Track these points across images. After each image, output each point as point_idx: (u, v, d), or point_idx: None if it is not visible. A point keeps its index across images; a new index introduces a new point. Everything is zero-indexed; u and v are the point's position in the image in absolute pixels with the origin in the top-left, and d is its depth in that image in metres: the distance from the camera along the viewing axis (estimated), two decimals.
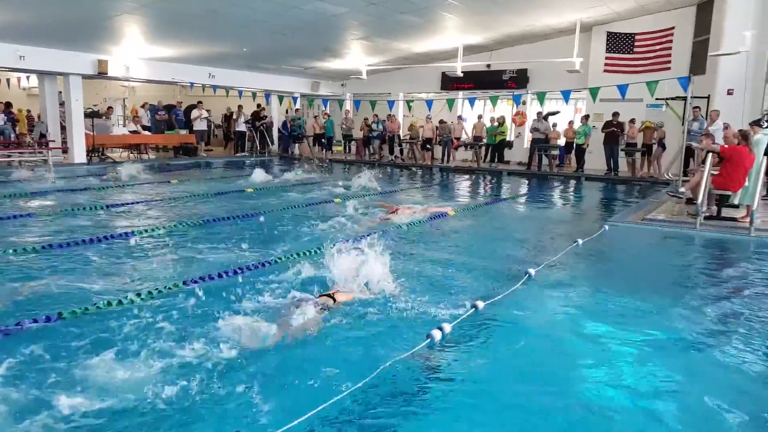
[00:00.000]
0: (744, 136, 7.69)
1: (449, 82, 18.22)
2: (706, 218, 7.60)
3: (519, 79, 17.26)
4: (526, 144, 16.88)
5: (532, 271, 5.11)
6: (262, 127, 19.60)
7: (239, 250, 5.75)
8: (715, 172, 7.77)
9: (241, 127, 19.54)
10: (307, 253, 5.64)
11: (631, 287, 4.94)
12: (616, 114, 14.33)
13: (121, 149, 17.84)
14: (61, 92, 15.62)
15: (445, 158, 17.37)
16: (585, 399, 3.00)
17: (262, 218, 7.76)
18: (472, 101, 16.70)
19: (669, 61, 14.56)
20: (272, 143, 20.02)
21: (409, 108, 17.31)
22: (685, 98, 11.51)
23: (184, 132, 18.93)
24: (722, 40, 12.08)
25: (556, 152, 15.78)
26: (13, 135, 15.28)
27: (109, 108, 18.77)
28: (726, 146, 7.80)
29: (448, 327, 3.69)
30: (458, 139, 17.60)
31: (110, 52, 14.67)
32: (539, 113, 16.01)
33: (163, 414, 2.71)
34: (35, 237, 6.27)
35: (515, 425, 2.77)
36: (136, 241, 6.17)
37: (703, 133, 10.24)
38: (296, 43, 14.87)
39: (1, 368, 3.07)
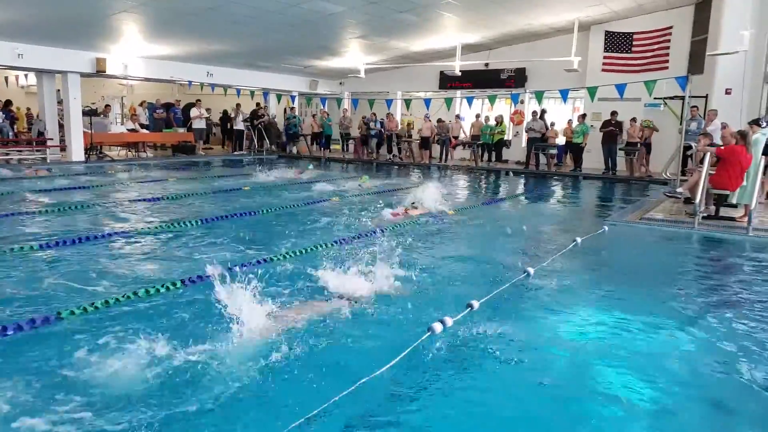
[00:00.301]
0: (742, 135, 7.71)
1: (447, 81, 18.22)
2: (704, 218, 7.63)
3: (517, 78, 17.27)
4: (524, 143, 16.90)
5: (530, 270, 5.12)
6: (260, 126, 19.59)
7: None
8: (713, 172, 7.79)
9: (240, 125, 19.53)
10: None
11: (629, 287, 4.96)
12: (614, 113, 14.35)
13: (119, 147, 17.82)
14: (59, 90, 15.59)
15: (444, 157, 17.38)
16: (585, 397, 3.01)
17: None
18: (470, 100, 16.72)
19: (667, 61, 14.59)
20: (271, 142, 20.00)
21: (408, 107, 17.30)
22: (683, 98, 11.55)
23: (182, 130, 18.91)
24: (720, 40, 12.11)
25: (553, 151, 15.80)
26: (11, 133, 15.24)
27: (107, 106, 18.74)
28: (723, 146, 7.82)
29: (449, 320, 3.69)
30: (456, 138, 17.61)
31: (108, 51, 14.65)
32: (534, 113, 16.05)
33: (171, 409, 2.72)
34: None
35: (515, 424, 2.78)
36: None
37: (700, 132, 10.27)
38: (294, 42, 14.87)
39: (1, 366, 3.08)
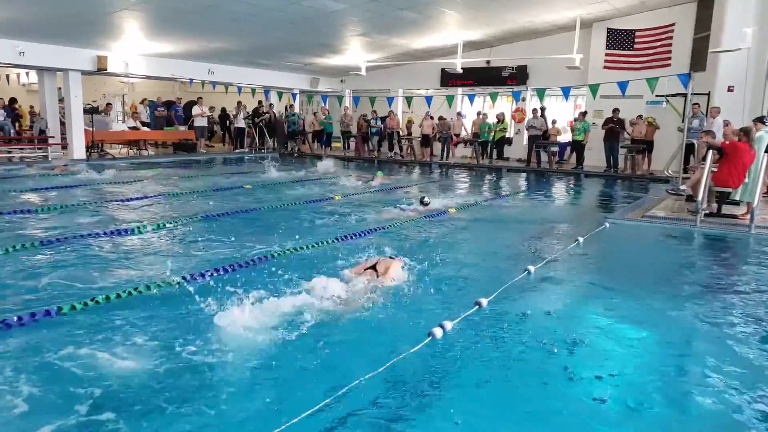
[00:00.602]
0: (745, 131, 7.68)
1: (449, 79, 18.19)
2: (706, 215, 7.60)
3: (519, 76, 17.24)
4: (526, 141, 16.88)
5: (531, 268, 5.11)
6: (261, 123, 19.58)
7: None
8: (716, 169, 7.77)
9: (241, 123, 19.53)
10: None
11: (631, 284, 4.94)
12: (615, 110, 14.32)
13: (120, 145, 17.82)
14: (60, 88, 15.60)
15: (445, 155, 17.36)
16: (584, 395, 3.00)
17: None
18: (471, 98, 16.69)
19: (669, 58, 14.54)
20: (279, 140, 20.00)
21: (409, 105, 17.28)
22: (685, 95, 11.52)
23: (183, 128, 18.91)
24: (723, 37, 12.06)
25: (555, 149, 15.78)
26: (12, 131, 15.25)
27: (108, 104, 18.75)
28: (726, 143, 7.80)
29: (449, 324, 3.69)
30: (458, 135, 17.59)
31: (110, 48, 14.64)
32: (534, 110, 16.03)
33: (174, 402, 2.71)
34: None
35: (514, 423, 2.77)
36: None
37: (703, 130, 10.24)
38: (295, 39, 14.85)
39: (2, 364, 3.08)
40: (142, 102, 19.90)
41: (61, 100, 15.80)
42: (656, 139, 14.24)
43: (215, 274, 4.83)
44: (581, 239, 6.43)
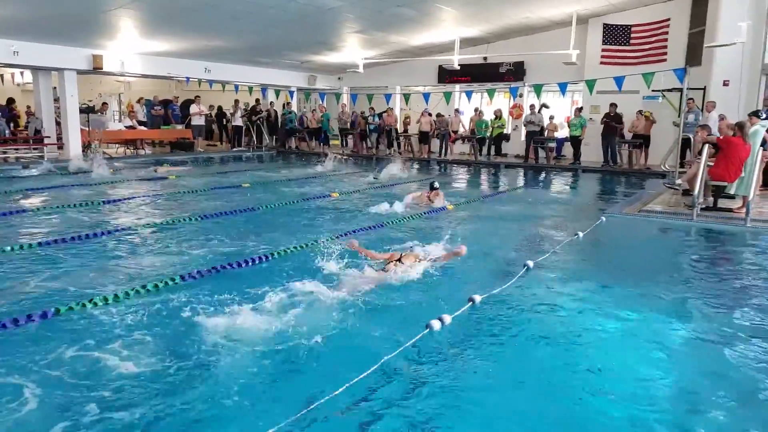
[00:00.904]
0: (739, 126, 7.72)
1: (446, 75, 18.19)
2: (702, 209, 7.64)
3: (516, 72, 17.25)
4: (524, 137, 16.90)
5: (530, 263, 5.14)
6: (258, 122, 19.56)
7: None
8: (712, 164, 7.80)
9: (238, 121, 19.50)
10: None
11: (629, 278, 4.98)
12: (613, 105, 14.35)
13: (117, 145, 17.78)
14: (55, 88, 15.54)
15: (443, 151, 17.38)
16: (583, 391, 3.03)
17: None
18: (469, 94, 16.69)
19: (665, 53, 14.57)
20: (279, 138, 19.98)
21: (407, 101, 17.28)
22: (681, 90, 11.53)
23: (180, 127, 18.88)
24: (718, 32, 12.09)
25: (552, 144, 15.81)
26: (8, 131, 15.20)
27: (104, 104, 18.70)
28: (721, 138, 7.84)
29: (448, 318, 3.72)
30: (455, 132, 17.60)
31: (105, 47, 14.59)
32: (532, 106, 16.05)
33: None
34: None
35: (512, 421, 2.80)
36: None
37: (699, 124, 10.27)
38: (292, 37, 14.83)
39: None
40: (138, 101, 19.85)
41: (56, 100, 15.75)
42: (653, 133, 14.29)
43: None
44: (581, 233, 6.47)
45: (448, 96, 16.11)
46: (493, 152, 17.17)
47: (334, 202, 9.06)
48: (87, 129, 15.43)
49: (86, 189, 9.87)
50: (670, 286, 4.77)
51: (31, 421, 2.59)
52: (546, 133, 15.85)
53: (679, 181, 9.39)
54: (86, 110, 15.68)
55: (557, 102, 17.56)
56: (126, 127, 17.72)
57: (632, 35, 14.98)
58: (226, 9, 11.68)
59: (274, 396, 2.87)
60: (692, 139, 10.39)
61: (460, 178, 13.59)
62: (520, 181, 13.06)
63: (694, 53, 13.50)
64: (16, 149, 14.79)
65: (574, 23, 14.09)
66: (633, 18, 14.94)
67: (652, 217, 7.73)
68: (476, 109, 17.62)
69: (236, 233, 6.48)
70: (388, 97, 17.35)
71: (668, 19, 14.48)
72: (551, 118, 15.90)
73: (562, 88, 13.22)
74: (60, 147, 15.34)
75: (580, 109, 15.23)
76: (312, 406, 2.61)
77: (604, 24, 15.25)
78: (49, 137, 15.09)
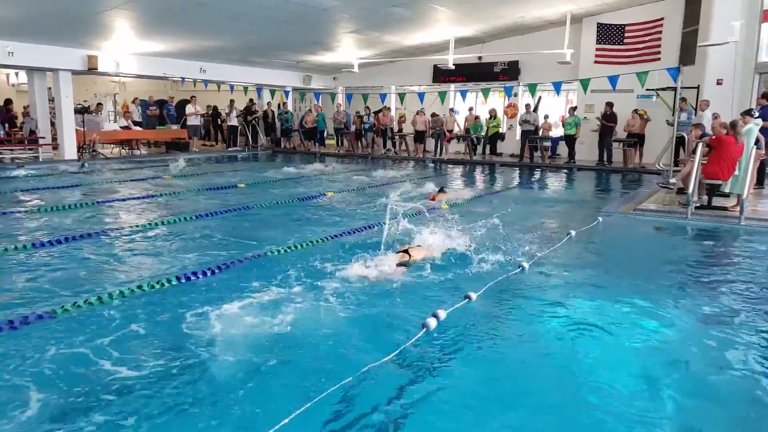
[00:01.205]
0: (732, 125, 7.77)
1: (441, 75, 18.22)
2: (697, 208, 7.69)
3: (510, 71, 17.30)
4: (519, 136, 16.96)
5: (525, 264, 5.16)
6: (254, 122, 19.55)
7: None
8: (705, 162, 7.85)
9: (233, 121, 19.48)
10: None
11: (623, 277, 5.01)
12: (609, 104, 14.41)
13: (112, 145, 17.74)
14: (50, 88, 15.49)
15: (438, 151, 17.41)
16: (579, 390, 3.06)
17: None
18: (464, 94, 16.73)
19: (659, 52, 14.64)
20: (264, 137, 19.98)
21: (402, 101, 17.31)
22: (675, 89, 11.60)
23: (175, 127, 18.85)
24: (711, 31, 12.16)
25: (547, 144, 15.87)
26: (2, 131, 15.13)
27: (99, 105, 18.65)
28: (714, 137, 7.90)
29: (443, 314, 3.73)
30: (450, 131, 17.64)
31: (100, 48, 14.56)
32: (527, 105, 16.11)
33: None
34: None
35: (509, 420, 2.83)
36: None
37: (693, 123, 10.33)
38: (287, 37, 14.83)
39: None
40: (133, 101, 19.81)
41: (51, 100, 15.69)
42: (648, 132, 14.35)
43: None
44: (573, 233, 6.50)
45: (443, 95, 16.15)
46: (488, 151, 17.22)
47: (329, 201, 9.08)
48: (82, 129, 15.38)
49: (84, 189, 9.86)
50: (664, 285, 4.80)
51: (26, 423, 2.60)
52: (541, 132, 15.91)
53: (673, 180, 9.44)
54: (81, 111, 15.63)
55: (552, 101, 17.63)
56: (121, 127, 17.68)
57: (626, 34, 15.05)
58: (221, 9, 11.67)
59: (270, 397, 2.88)
60: (686, 138, 10.46)
61: (455, 177, 13.62)
62: (515, 180, 13.09)
63: (688, 52, 13.57)
64: (11, 150, 14.74)
65: (568, 23, 14.14)
66: (627, 17, 15.01)
67: (647, 216, 7.77)
68: (470, 109, 17.67)
69: (232, 232, 6.49)
70: (383, 96, 17.37)
71: (662, 19, 14.55)
72: (546, 117, 15.96)
73: (557, 87, 13.27)
74: (55, 147, 15.30)
75: (574, 108, 15.30)
76: (308, 405, 2.63)
77: (598, 23, 15.31)
78: (44, 138, 15.05)
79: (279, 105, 20.61)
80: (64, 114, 14.75)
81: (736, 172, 7.68)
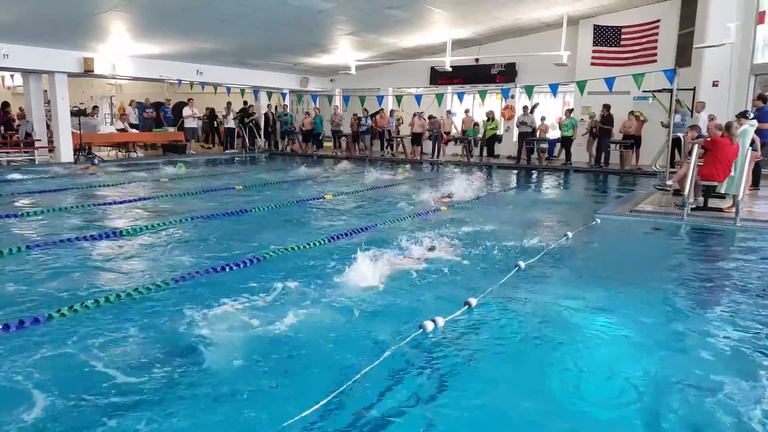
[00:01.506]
0: (726, 126, 7.79)
1: (438, 77, 18.25)
2: (693, 209, 7.70)
3: (507, 73, 17.33)
4: (516, 138, 16.98)
5: (521, 264, 5.16)
6: (251, 124, 19.54)
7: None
8: (701, 164, 7.87)
9: (231, 123, 19.46)
10: None
11: (620, 278, 5.01)
12: (605, 107, 14.44)
13: (109, 147, 17.71)
14: (46, 91, 15.45)
15: (436, 153, 17.42)
16: (576, 389, 3.05)
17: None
18: (461, 96, 16.75)
19: (655, 54, 14.68)
20: (263, 140, 19.97)
21: (399, 103, 17.32)
22: (671, 91, 11.64)
23: (172, 130, 18.81)
24: (707, 33, 12.19)
25: (544, 146, 15.89)
26: None
27: (95, 107, 18.60)
28: (708, 139, 7.93)
29: (441, 320, 3.73)
30: (448, 133, 17.64)
31: (96, 50, 14.54)
32: (525, 107, 16.14)
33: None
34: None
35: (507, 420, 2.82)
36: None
37: (689, 125, 10.35)
38: (284, 39, 14.83)
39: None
40: (130, 104, 19.78)
41: (47, 103, 15.65)
42: (644, 134, 14.38)
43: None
44: (570, 234, 6.51)
45: (440, 97, 16.16)
46: (485, 153, 17.24)
47: (327, 203, 9.07)
48: (78, 132, 15.35)
49: (82, 191, 9.83)
50: (660, 286, 4.80)
51: (20, 427, 2.58)
52: (538, 134, 15.94)
53: (669, 182, 9.46)
54: (77, 113, 15.60)
55: (549, 103, 17.66)
56: (117, 130, 17.64)
57: (622, 36, 15.09)
58: (218, 11, 11.66)
59: (267, 398, 2.87)
60: (682, 140, 10.48)
61: (453, 179, 13.61)
62: (513, 182, 13.11)
63: (684, 54, 13.62)
64: (7, 153, 14.70)
65: (565, 25, 14.17)
66: (623, 19, 15.05)
67: (643, 217, 7.78)
68: (466, 111, 17.69)
69: (229, 235, 6.47)
70: (380, 98, 17.37)
71: (658, 21, 14.60)
72: (543, 119, 15.99)
73: (554, 89, 13.28)
74: (51, 150, 15.25)
75: (571, 110, 15.33)
76: (307, 412, 2.61)
77: (595, 25, 15.35)
78: (39, 140, 15.00)
79: (275, 107, 20.60)
80: (59, 117, 14.71)
81: (732, 174, 7.69)
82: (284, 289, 4.45)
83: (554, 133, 16.26)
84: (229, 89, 18.05)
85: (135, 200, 9.04)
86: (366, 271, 4.70)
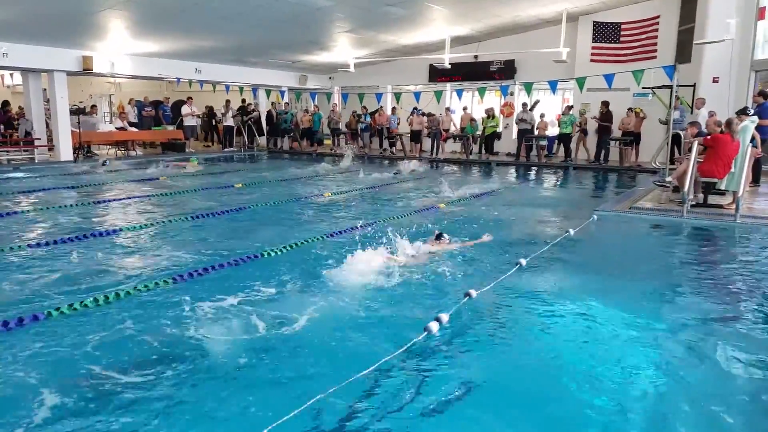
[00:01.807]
0: (727, 123, 7.78)
1: (437, 74, 18.22)
2: (692, 206, 7.69)
3: (506, 70, 17.29)
4: (515, 135, 16.96)
5: (522, 261, 5.16)
6: (250, 122, 19.51)
7: None
8: (701, 160, 7.86)
9: (229, 121, 19.44)
10: None
11: (620, 275, 5.01)
12: (604, 104, 14.42)
13: (108, 146, 17.69)
14: (45, 89, 15.43)
15: (435, 150, 17.40)
16: (575, 386, 3.05)
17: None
18: (459, 93, 16.71)
19: (655, 50, 14.65)
20: (261, 138, 19.96)
21: (398, 100, 17.30)
22: (671, 87, 11.63)
23: (171, 128, 18.79)
24: (707, 29, 12.17)
25: (544, 143, 15.87)
26: None
27: (93, 106, 18.58)
28: (708, 136, 7.91)
29: (445, 317, 3.72)
30: (447, 131, 17.62)
31: (95, 48, 14.51)
32: (524, 104, 16.11)
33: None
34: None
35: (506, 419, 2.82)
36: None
37: (689, 122, 10.33)
38: (283, 37, 14.80)
39: None
40: (129, 102, 19.76)
41: (46, 101, 15.63)
42: (643, 131, 14.36)
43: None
44: (572, 231, 6.50)
45: (439, 95, 16.14)
46: (484, 150, 17.22)
47: (325, 200, 9.08)
48: (78, 130, 15.33)
49: (81, 189, 9.82)
50: (661, 282, 4.81)
51: (19, 424, 2.58)
52: (537, 131, 15.92)
53: (668, 179, 9.45)
54: (77, 112, 15.58)
55: (548, 100, 17.64)
56: (117, 128, 17.62)
57: (622, 33, 15.05)
58: (216, 9, 11.64)
59: (264, 397, 2.87)
60: (682, 136, 10.47)
61: (452, 176, 13.61)
62: (512, 179, 13.10)
63: (684, 50, 13.58)
64: (7, 151, 14.69)
65: (564, 21, 14.13)
66: (623, 15, 15.01)
67: (643, 214, 7.77)
68: (465, 109, 17.66)
69: (229, 232, 6.47)
70: (379, 96, 17.35)
71: (658, 17, 14.56)
72: (542, 116, 15.97)
73: (553, 86, 13.26)
74: (50, 149, 15.24)
75: (570, 107, 15.31)
76: (306, 405, 2.61)
77: (594, 22, 15.31)
78: (39, 139, 14.99)
79: (273, 104, 20.55)
80: (59, 115, 14.69)
81: (732, 170, 7.68)
82: (284, 286, 4.46)
83: (553, 130, 16.26)
84: (228, 87, 18.02)
85: (134, 198, 9.04)
86: (363, 268, 4.71)
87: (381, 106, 18.46)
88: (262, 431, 2.37)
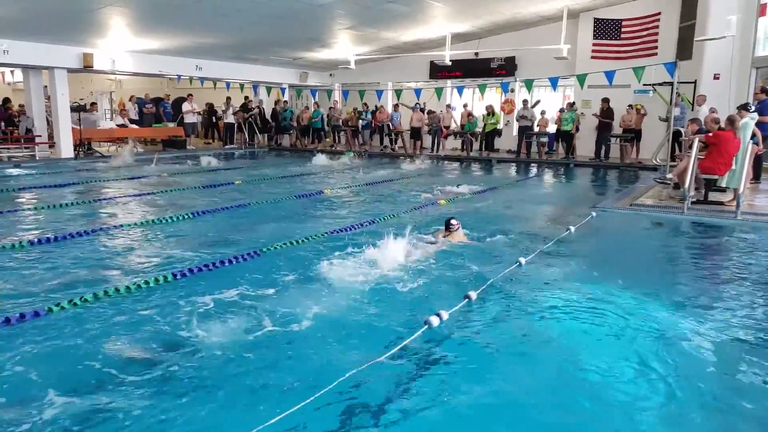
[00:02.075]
0: (730, 120, 7.78)
1: (438, 71, 18.20)
2: (693, 203, 7.69)
3: (507, 67, 17.27)
4: (516, 132, 16.96)
5: (522, 260, 5.16)
6: (251, 119, 19.50)
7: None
8: (702, 157, 7.86)
9: (230, 119, 19.43)
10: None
11: (620, 272, 5.01)
12: (605, 101, 14.40)
13: (108, 143, 17.69)
14: (46, 86, 15.43)
15: (435, 147, 17.40)
16: (573, 385, 3.06)
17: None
18: (460, 90, 16.71)
19: (656, 47, 14.62)
20: (262, 135, 19.96)
21: (398, 97, 17.28)
22: (672, 84, 11.61)
23: (171, 125, 18.80)
24: (708, 25, 12.14)
25: (544, 140, 15.87)
26: None
27: (93, 104, 18.57)
28: (710, 133, 7.91)
29: (445, 314, 3.73)
30: (447, 128, 17.61)
31: (95, 45, 14.50)
32: (525, 101, 16.10)
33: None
34: None
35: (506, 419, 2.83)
36: None
37: (690, 119, 10.33)
38: (283, 34, 14.79)
39: None
40: (130, 99, 19.75)
41: (47, 99, 15.63)
42: (644, 127, 14.36)
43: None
44: (572, 228, 6.50)
45: (439, 92, 16.13)
46: (485, 147, 17.22)
47: (330, 198, 9.09)
48: (78, 127, 15.34)
49: (80, 187, 9.84)
50: (661, 279, 4.82)
51: (20, 419, 2.59)
52: (538, 128, 15.91)
53: (669, 176, 9.45)
54: (77, 109, 15.58)
55: (549, 97, 17.62)
56: (117, 125, 17.63)
57: (623, 29, 15.01)
58: (217, 6, 11.64)
59: (262, 395, 2.88)
60: (683, 133, 10.46)
61: (452, 173, 13.61)
62: (512, 176, 13.10)
63: (685, 47, 13.55)
64: (8, 148, 14.70)
65: (565, 18, 14.11)
66: (623, 12, 14.98)
67: (644, 211, 7.78)
68: (465, 105, 17.65)
69: (229, 229, 6.48)
70: (380, 93, 17.34)
71: (659, 13, 14.53)
72: (543, 113, 15.96)
73: (554, 82, 13.25)
74: (51, 146, 15.25)
75: (571, 104, 15.30)
76: (306, 401, 2.63)
77: (595, 18, 15.27)
78: (40, 136, 15.00)
79: (275, 101, 20.54)
80: (60, 112, 14.69)
81: (733, 167, 7.68)
82: (284, 283, 4.47)
83: (554, 127, 16.25)
84: (228, 84, 18.01)
85: (135, 195, 9.05)
86: (363, 266, 4.72)
87: (381, 106, 18.44)
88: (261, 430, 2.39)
